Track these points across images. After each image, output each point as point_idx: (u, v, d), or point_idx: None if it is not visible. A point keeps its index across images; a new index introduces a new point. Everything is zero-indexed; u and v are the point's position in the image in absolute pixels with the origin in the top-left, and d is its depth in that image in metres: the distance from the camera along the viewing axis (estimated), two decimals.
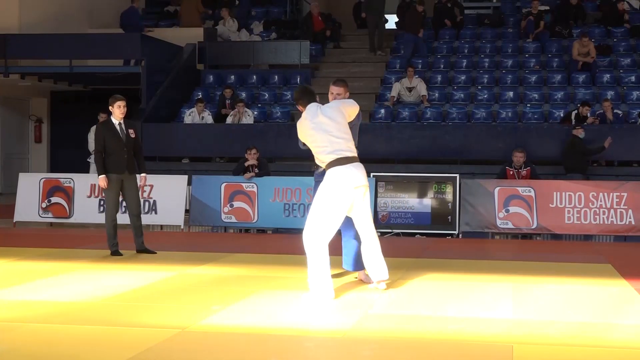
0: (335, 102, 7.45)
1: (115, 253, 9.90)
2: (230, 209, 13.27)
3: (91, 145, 16.19)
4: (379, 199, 13.18)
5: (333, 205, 7.10)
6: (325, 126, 7.18)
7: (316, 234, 7.10)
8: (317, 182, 7.61)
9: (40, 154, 20.79)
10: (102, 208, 13.58)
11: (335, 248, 7.63)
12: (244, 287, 7.50)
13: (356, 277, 7.94)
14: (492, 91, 17.49)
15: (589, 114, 15.41)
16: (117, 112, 9.85)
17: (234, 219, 13.32)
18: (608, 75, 17.52)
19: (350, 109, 7.38)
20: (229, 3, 21.12)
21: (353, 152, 7.27)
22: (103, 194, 10.73)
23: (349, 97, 7.72)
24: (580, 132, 14.41)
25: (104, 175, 9.83)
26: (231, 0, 21.51)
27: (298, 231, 12.75)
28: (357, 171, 7.20)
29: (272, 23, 21.08)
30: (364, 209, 7.33)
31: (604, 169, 15.27)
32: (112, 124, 9.91)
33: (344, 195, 7.11)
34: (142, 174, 10.14)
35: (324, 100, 7.69)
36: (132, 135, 9.97)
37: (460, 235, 12.93)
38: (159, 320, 6.36)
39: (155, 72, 17.70)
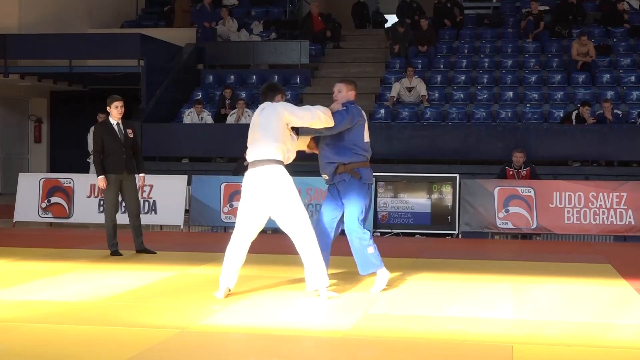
0: (280, 104, 7.20)
1: (115, 253, 9.89)
2: (230, 209, 13.26)
3: (91, 146, 16.17)
4: (378, 199, 13.18)
5: (240, 208, 7.23)
6: (255, 126, 7.17)
7: (233, 234, 7.21)
8: (328, 190, 7.65)
9: (40, 154, 20.80)
10: (101, 208, 13.56)
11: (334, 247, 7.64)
12: (244, 287, 7.50)
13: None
14: (491, 91, 17.49)
15: (589, 114, 15.40)
16: (115, 113, 9.84)
17: (233, 219, 13.21)
18: (608, 75, 17.52)
19: (292, 115, 7.08)
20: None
21: (269, 156, 7.02)
22: (102, 195, 10.73)
23: (350, 97, 7.56)
24: None
25: (102, 176, 9.82)
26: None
27: None
28: (257, 175, 7.07)
29: (272, 23, 21.08)
30: (280, 212, 7.10)
31: (604, 169, 15.27)
32: (110, 124, 9.90)
33: (245, 198, 7.20)
34: (141, 174, 10.13)
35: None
36: (131, 135, 9.96)
37: (460, 235, 12.93)
38: (159, 320, 6.36)
39: (155, 72, 17.70)
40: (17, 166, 19.40)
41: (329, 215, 7.58)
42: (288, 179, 7.10)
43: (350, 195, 7.48)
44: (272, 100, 7.26)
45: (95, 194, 13.64)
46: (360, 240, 7.46)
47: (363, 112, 7.69)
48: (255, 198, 7.13)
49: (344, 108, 7.49)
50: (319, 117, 7.19)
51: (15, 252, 10.15)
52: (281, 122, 7.05)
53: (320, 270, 7.07)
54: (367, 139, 7.68)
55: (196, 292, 7.42)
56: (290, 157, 7.24)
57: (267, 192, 7.07)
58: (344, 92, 7.59)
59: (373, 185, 7.83)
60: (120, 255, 9.85)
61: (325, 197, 7.72)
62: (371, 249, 7.49)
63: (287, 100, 7.59)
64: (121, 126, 9.90)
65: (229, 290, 7.23)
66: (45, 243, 11.40)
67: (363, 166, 7.57)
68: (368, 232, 7.56)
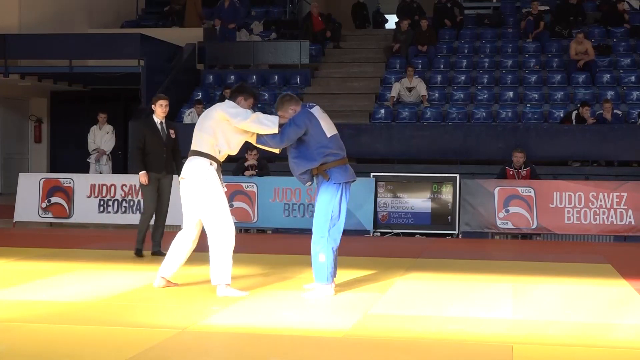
0: (223, 103, 7.49)
1: (139, 253, 9.77)
2: (230, 209, 13.23)
3: (91, 146, 16.21)
4: (378, 199, 13.18)
5: None
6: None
7: None
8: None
9: (40, 154, 20.79)
10: (101, 208, 13.59)
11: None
12: (244, 287, 7.50)
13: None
14: (492, 91, 17.49)
15: (589, 115, 15.40)
16: (159, 111, 9.70)
17: (234, 219, 13.26)
18: (608, 76, 17.52)
19: (226, 113, 7.31)
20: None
21: (195, 147, 7.34)
22: (141, 193, 10.60)
23: (292, 114, 7.46)
24: None
25: (144, 172, 9.66)
26: None
27: (298, 231, 12.80)
28: (184, 168, 7.44)
29: (272, 23, 21.07)
30: (194, 204, 7.38)
31: (604, 169, 15.27)
32: (154, 122, 9.75)
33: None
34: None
35: (319, 99, 7.62)
36: (173, 136, 9.85)
37: (460, 235, 12.93)
38: (159, 320, 6.37)
39: (155, 72, 17.69)
40: (17, 166, 19.39)
41: None
42: (204, 172, 7.29)
43: (318, 198, 7.40)
44: (234, 100, 7.47)
45: (95, 194, 13.63)
46: (314, 245, 7.32)
47: (313, 110, 7.42)
48: (181, 190, 7.50)
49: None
50: (251, 120, 7.29)
51: (15, 252, 10.14)
52: (215, 116, 7.32)
53: (221, 267, 7.23)
54: (330, 133, 7.40)
55: (196, 292, 7.42)
56: (224, 151, 7.38)
57: (185, 184, 7.41)
58: (287, 115, 7.45)
59: (351, 184, 7.47)
60: (142, 256, 9.74)
61: None
62: (322, 257, 7.25)
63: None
64: (164, 125, 9.80)
65: (166, 280, 7.55)
66: (45, 243, 11.40)
67: (336, 165, 7.37)
68: (325, 237, 7.26)
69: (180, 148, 9.92)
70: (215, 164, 7.34)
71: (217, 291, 7.24)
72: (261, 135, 7.38)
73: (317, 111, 7.44)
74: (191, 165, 7.35)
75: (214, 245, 7.27)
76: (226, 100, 7.49)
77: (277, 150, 7.67)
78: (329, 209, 7.31)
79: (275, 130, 7.29)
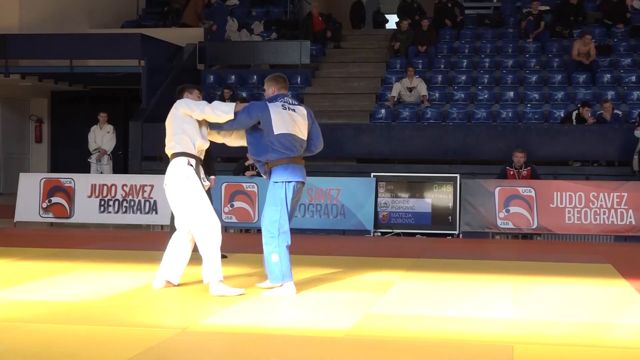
0: (181, 100, 7.53)
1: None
2: (230, 209, 13.27)
3: (92, 145, 16.22)
4: (379, 199, 13.18)
5: None
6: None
7: None
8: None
9: (41, 154, 20.80)
10: (102, 208, 13.58)
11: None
12: (244, 287, 7.50)
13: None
14: (492, 91, 17.49)
15: (589, 115, 15.40)
16: None
17: (234, 219, 13.32)
18: (608, 75, 17.52)
19: (187, 108, 7.35)
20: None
21: (170, 150, 7.36)
22: None
23: (270, 93, 7.52)
24: None
25: None
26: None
27: (299, 231, 12.79)
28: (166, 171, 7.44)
29: (273, 23, 21.08)
30: (177, 208, 7.36)
31: (605, 169, 15.27)
32: None
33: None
34: (212, 176, 9.82)
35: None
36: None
37: (461, 235, 12.93)
38: (159, 320, 6.37)
39: (156, 72, 17.70)
40: (17, 166, 19.40)
41: None
42: (183, 171, 7.26)
43: (266, 197, 7.39)
44: (180, 99, 7.62)
45: (96, 194, 13.63)
46: (266, 245, 7.28)
47: (271, 105, 7.32)
48: (167, 196, 7.48)
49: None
50: (210, 109, 7.34)
51: (16, 252, 10.14)
52: (177, 114, 7.34)
53: (211, 265, 7.19)
54: (279, 130, 7.25)
55: (196, 292, 7.42)
56: (197, 143, 7.35)
57: (168, 189, 7.39)
58: (267, 91, 7.55)
59: (293, 184, 7.30)
60: (225, 257, 9.57)
61: None
62: (275, 257, 7.20)
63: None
64: None
65: (165, 281, 7.51)
66: (46, 243, 11.40)
67: (279, 164, 7.28)
68: (275, 237, 7.21)
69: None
70: (194, 161, 7.32)
71: (209, 289, 7.21)
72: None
73: (274, 106, 7.32)
74: (170, 168, 7.35)
75: (201, 244, 7.25)
76: (178, 101, 7.53)
77: (233, 142, 7.78)
78: (277, 209, 7.27)
79: (231, 116, 7.32)
